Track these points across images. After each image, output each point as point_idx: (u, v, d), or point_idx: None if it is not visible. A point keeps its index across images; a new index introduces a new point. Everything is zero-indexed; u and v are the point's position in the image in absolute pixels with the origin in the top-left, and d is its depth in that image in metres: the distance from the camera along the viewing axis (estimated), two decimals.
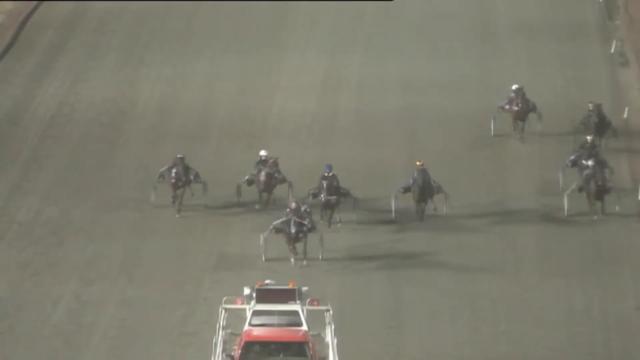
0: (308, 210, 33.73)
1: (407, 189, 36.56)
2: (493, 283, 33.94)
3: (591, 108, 42.06)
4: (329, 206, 35.92)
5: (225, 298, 28.58)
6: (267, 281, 29.03)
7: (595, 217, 36.22)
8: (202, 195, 37.75)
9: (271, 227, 33.41)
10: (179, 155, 38.19)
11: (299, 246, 33.61)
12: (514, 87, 44.05)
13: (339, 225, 36.05)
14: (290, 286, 27.30)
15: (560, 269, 34.15)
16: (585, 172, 37.00)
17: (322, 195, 36.00)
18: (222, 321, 28.04)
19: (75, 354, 30.90)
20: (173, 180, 37.21)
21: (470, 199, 39.16)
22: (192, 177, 37.69)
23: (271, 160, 37.89)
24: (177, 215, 37.26)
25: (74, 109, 49.50)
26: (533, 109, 43.48)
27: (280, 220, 33.29)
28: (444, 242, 37.41)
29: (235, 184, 37.93)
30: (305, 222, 32.95)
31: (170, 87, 51.66)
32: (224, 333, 27.83)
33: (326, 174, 36.26)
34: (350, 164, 42.46)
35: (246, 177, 38.19)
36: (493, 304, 33.92)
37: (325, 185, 35.86)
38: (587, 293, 32.95)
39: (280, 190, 38.79)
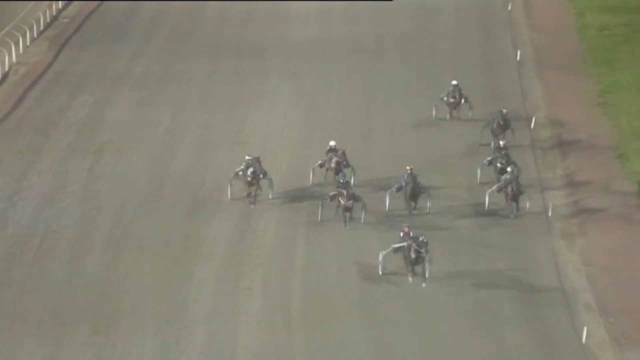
0: (425, 240, 36.07)
1: (399, 189, 41.77)
2: None
3: (504, 111, 48.78)
4: (347, 209, 40.33)
5: None
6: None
7: (512, 216, 41.84)
8: (269, 190, 43.03)
9: (391, 248, 36.31)
10: (255, 156, 43.25)
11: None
12: (453, 82, 51.42)
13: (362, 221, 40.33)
14: None
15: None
16: (505, 176, 42.16)
17: (340, 199, 40.63)
18: None
19: None
20: (249, 178, 42.14)
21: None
22: (262, 175, 42.66)
23: (340, 151, 43.77)
24: (252, 206, 42.23)
25: None
26: (465, 100, 51.08)
27: (400, 244, 36.07)
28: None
29: (311, 168, 43.89)
30: (422, 251, 35.74)
31: None
32: None
33: (341, 181, 41.34)
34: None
35: (319, 162, 44.38)
36: None
37: (344, 192, 40.50)
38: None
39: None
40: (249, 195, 42.84)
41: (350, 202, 40.94)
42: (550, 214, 44.31)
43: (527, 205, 42.96)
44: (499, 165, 44.82)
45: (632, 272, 39.96)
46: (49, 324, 35.09)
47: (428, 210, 42.07)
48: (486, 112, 50.88)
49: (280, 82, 56.78)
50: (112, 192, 45.05)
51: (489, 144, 47.42)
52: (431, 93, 53.67)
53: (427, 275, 35.88)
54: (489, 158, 45.63)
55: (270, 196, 42.84)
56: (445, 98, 52.08)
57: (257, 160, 43.57)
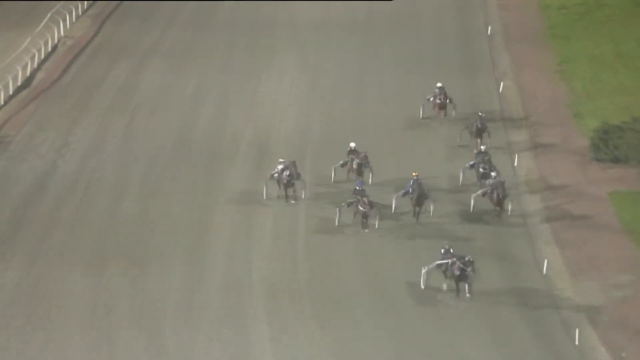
0: (472, 260, 33.12)
1: (405, 194, 38.48)
2: None
3: (481, 115, 44.94)
4: (365, 216, 37.23)
5: None
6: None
7: (498, 217, 38.31)
8: (302, 190, 39.33)
9: (434, 264, 33.29)
10: (290, 160, 39.97)
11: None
12: (438, 85, 47.64)
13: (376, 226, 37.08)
14: None
15: None
16: (490, 181, 39.11)
17: (358, 205, 37.27)
18: None
19: None
20: (285, 181, 38.97)
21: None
22: (296, 177, 39.49)
23: (362, 154, 40.33)
24: (293, 202, 39.11)
25: None
26: (450, 101, 47.31)
27: (443, 261, 33.10)
28: None
29: (333, 167, 40.49)
30: (468, 270, 32.78)
31: None
32: None
33: (357, 188, 37.88)
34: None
35: (340, 162, 40.86)
36: None
37: (361, 199, 37.18)
38: None
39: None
40: (286, 196, 39.80)
41: (368, 208, 37.93)
42: (516, 164, 43.81)
43: (510, 207, 40.11)
44: (481, 170, 41.98)
45: (583, 210, 39.99)
46: (92, 257, 35.30)
47: (431, 214, 38.79)
48: (461, 77, 51.08)
49: (288, 54, 56.76)
50: (145, 146, 45.33)
51: (467, 146, 44.83)
52: (416, 63, 53.65)
53: (469, 292, 32.94)
54: (471, 162, 42.56)
55: (303, 196, 39.79)
56: (432, 99, 48.89)
57: (293, 163, 40.30)
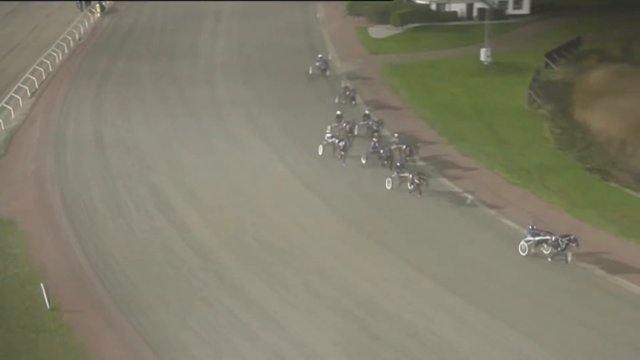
0: (574, 237, 35.33)
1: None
2: None
3: (347, 86, 57.83)
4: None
5: None
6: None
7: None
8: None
9: (533, 240, 36.37)
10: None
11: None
12: (319, 55, 63.72)
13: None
14: None
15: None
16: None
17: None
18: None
19: None
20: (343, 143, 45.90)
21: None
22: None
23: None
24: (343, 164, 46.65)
25: None
26: (328, 66, 62.41)
27: (543, 237, 36.38)
28: None
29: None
30: (567, 239, 35.40)
31: None
32: None
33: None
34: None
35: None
36: None
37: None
38: None
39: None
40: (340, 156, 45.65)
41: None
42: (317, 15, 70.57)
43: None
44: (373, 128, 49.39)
45: (344, 33, 75.59)
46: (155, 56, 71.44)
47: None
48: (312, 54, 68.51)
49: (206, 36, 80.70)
50: None
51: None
52: (271, 40, 75.04)
53: (569, 258, 35.56)
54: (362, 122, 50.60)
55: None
56: (317, 64, 61.95)
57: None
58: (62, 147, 51.92)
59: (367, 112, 51.35)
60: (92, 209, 42.78)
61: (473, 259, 36.36)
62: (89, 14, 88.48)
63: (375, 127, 48.62)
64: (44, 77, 67.17)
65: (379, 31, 76.93)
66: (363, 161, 46.16)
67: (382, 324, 31.56)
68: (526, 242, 36.06)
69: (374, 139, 46.36)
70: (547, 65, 65.14)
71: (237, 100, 59.00)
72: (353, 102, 55.26)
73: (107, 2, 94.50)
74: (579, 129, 52.88)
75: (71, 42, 77.63)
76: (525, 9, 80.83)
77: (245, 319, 31.94)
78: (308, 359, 29.62)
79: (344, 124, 48.23)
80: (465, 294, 33.19)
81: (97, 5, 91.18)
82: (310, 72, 61.66)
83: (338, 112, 49.44)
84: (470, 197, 41.14)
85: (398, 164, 43.17)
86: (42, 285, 33.69)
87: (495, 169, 46.31)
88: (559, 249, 35.30)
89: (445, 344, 30.27)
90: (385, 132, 50.07)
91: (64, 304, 33.47)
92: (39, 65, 68.64)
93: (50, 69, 69.27)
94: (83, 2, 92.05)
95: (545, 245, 36.04)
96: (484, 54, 66.34)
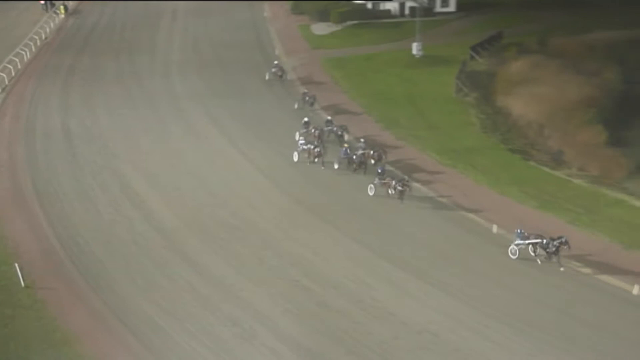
0: (565, 240, 32.47)
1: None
2: None
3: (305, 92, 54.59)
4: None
5: None
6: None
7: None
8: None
9: (526, 243, 33.65)
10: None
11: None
12: (275, 62, 61.51)
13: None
14: None
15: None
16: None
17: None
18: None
19: None
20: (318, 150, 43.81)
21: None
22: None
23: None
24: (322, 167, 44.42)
25: None
26: (285, 71, 60.25)
27: (535, 240, 33.41)
28: None
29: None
30: (561, 242, 32.52)
31: None
32: None
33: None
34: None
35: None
36: None
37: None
38: None
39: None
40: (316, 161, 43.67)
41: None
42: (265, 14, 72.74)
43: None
44: (339, 133, 47.31)
45: (290, 31, 74.95)
46: (117, 52, 71.17)
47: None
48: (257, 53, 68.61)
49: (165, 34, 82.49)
50: None
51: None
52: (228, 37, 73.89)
53: (560, 262, 32.80)
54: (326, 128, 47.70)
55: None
56: (273, 70, 59.71)
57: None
58: (32, 138, 51.44)
59: (329, 117, 49.66)
60: (61, 193, 42.55)
61: (404, 229, 36.96)
62: (54, 15, 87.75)
63: (340, 132, 47.06)
64: (13, 73, 66.35)
65: (320, 28, 76.76)
66: (336, 167, 44.11)
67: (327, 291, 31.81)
68: (516, 245, 33.58)
69: (346, 145, 45.09)
70: (472, 57, 65.20)
71: (192, 93, 58.72)
72: (312, 107, 53.71)
73: (71, 2, 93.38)
74: (501, 114, 52.95)
75: (38, 41, 77.10)
76: (452, 7, 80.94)
77: (206, 292, 32.04)
78: (263, 325, 29.89)
79: (312, 130, 47.26)
80: (395, 260, 33.98)
81: (62, 6, 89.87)
82: (267, 77, 60.12)
83: (305, 119, 47.64)
84: (405, 177, 41.30)
85: (379, 170, 41.44)
86: (16, 265, 33.61)
87: (427, 150, 46.39)
88: (548, 251, 32.86)
89: (385, 310, 30.64)
90: (347, 136, 48.32)
91: (37, 281, 33.36)
92: (8, 62, 67.80)
93: (19, 66, 68.46)
94: (48, 3, 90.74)
95: (534, 247, 33.51)
96: (415, 48, 66.26)
